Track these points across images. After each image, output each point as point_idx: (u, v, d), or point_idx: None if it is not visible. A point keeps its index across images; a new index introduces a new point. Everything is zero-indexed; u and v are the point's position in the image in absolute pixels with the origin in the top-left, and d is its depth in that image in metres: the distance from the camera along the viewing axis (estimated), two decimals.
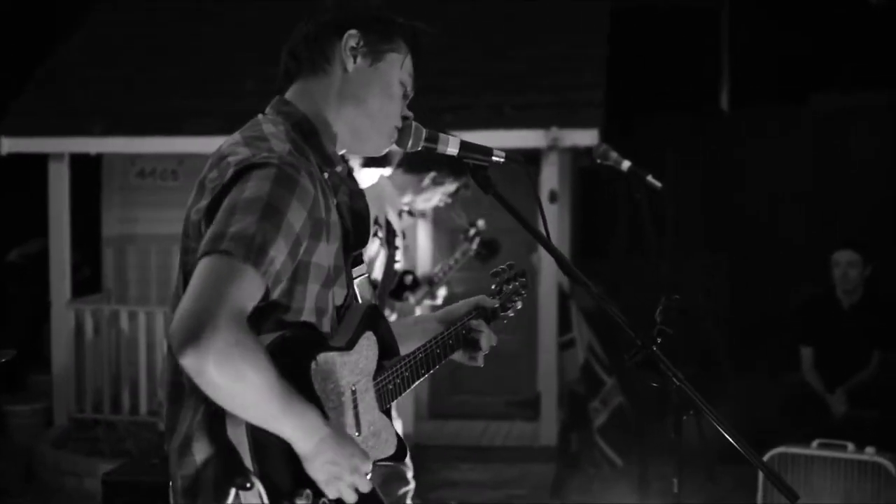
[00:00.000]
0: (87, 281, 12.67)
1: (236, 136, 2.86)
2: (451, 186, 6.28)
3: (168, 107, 11.13)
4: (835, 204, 13.59)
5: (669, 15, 16.19)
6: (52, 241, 11.11)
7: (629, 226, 13.20)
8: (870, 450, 7.02)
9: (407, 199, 6.26)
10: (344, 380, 2.82)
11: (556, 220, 10.48)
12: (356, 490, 2.71)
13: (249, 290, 2.53)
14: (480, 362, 3.47)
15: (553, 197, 10.41)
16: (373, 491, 2.83)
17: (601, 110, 10.52)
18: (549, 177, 10.48)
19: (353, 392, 2.86)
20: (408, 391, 3.18)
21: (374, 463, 2.87)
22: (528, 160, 10.20)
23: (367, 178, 6.12)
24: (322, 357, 2.75)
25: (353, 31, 2.98)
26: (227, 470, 2.60)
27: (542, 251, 3.54)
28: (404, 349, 3.17)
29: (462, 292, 11.37)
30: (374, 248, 6.00)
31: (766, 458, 7.09)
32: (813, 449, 7.12)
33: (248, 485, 2.55)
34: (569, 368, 10.69)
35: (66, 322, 11.03)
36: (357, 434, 2.85)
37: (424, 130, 3.09)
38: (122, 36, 12.49)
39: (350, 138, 3.04)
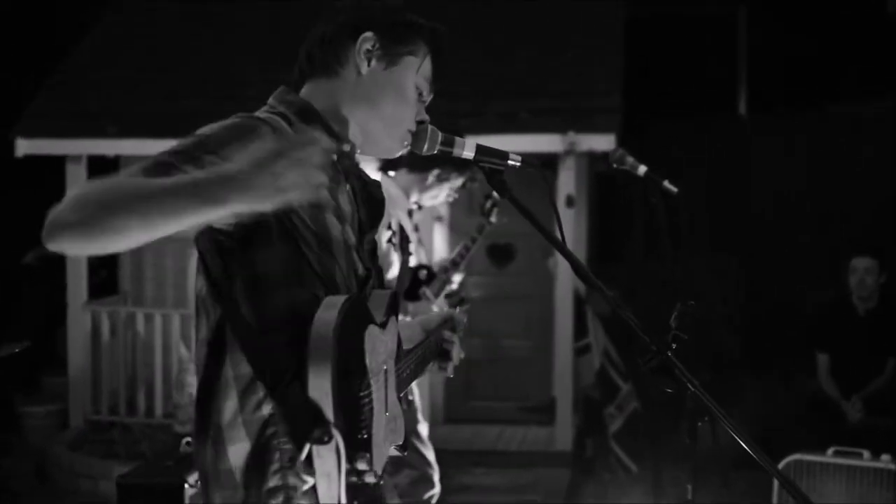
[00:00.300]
0: (103, 283, 12.69)
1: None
2: (456, 181, 6.26)
3: (180, 108, 11.15)
4: (847, 209, 13.55)
5: (686, 21, 16.18)
6: None
7: (645, 231, 13.19)
8: (885, 457, 6.99)
9: (413, 198, 6.25)
10: (381, 356, 2.80)
11: (572, 225, 10.49)
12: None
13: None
14: (450, 372, 3.50)
15: (570, 201, 10.41)
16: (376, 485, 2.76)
17: (618, 115, 10.51)
18: (566, 181, 10.48)
19: (385, 371, 2.83)
20: (420, 392, 3.21)
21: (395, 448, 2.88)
22: (545, 165, 10.22)
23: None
24: (371, 328, 2.75)
25: (368, 34, 2.94)
26: (299, 430, 2.52)
27: (557, 256, 3.52)
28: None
29: (479, 297, 11.39)
30: (393, 258, 6.01)
31: (781, 465, 7.07)
32: (828, 456, 7.10)
33: (327, 438, 2.48)
34: (584, 374, 10.69)
35: (82, 324, 11.05)
36: (385, 413, 2.80)
37: (440, 134, 3.07)
38: (132, 39, 12.52)
39: (361, 139, 3.02)
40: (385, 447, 2.78)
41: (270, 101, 2.96)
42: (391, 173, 6.20)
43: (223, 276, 2.68)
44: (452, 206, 11.36)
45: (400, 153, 3.08)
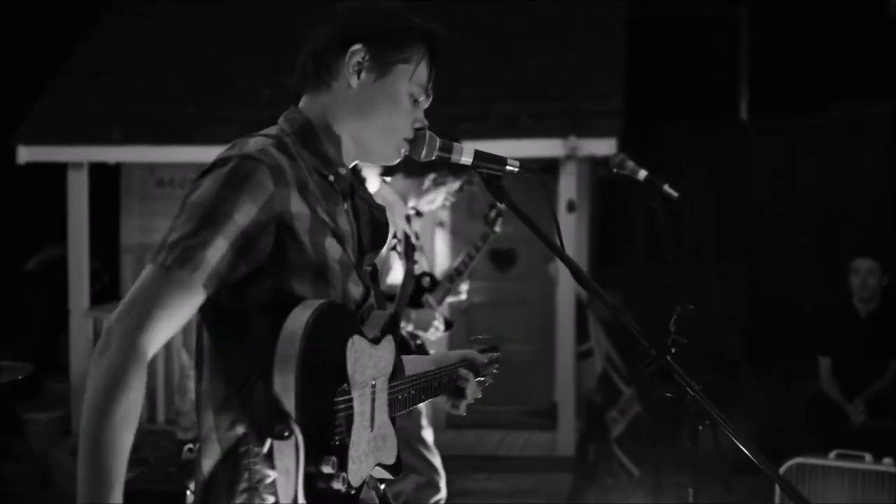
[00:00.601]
0: (105, 289, 12.69)
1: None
2: (453, 185, 6.26)
3: (183, 115, 11.17)
4: (849, 211, 13.56)
5: (687, 23, 16.18)
6: (71, 249, 11.14)
7: (647, 235, 13.19)
8: (888, 460, 6.99)
9: (411, 203, 6.25)
10: (368, 371, 2.82)
11: (573, 230, 10.48)
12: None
13: (176, 298, 2.59)
14: (462, 411, 3.50)
15: (571, 206, 10.40)
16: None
17: (619, 119, 10.51)
18: (567, 186, 10.48)
19: (373, 387, 2.85)
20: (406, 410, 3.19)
21: (376, 466, 2.90)
22: (546, 170, 10.23)
23: (371, 186, 6.11)
24: (357, 339, 2.77)
25: (356, 47, 2.93)
26: (266, 427, 2.57)
27: (559, 261, 3.57)
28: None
29: (481, 302, 11.40)
30: (393, 263, 6.01)
31: (783, 468, 7.07)
32: (830, 459, 7.10)
33: (287, 433, 2.51)
34: (586, 378, 10.69)
35: (84, 330, 11.06)
36: (370, 430, 2.83)
37: (438, 140, 3.06)
38: (133, 43, 12.51)
39: (356, 150, 3.03)
40: (366, 463, 2.79)
41: (280, 120, 2.99)
42: (387, 179, 6.20)
43: (211, 308, 2.74)
44: (454, 211, 11.39)
45: (397, 160, 3.09)
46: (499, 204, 6.86)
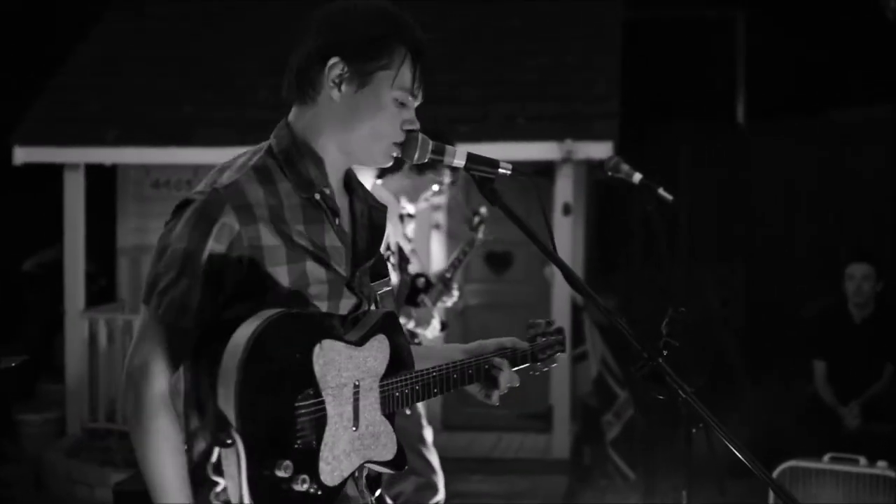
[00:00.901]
0: (101, 290, 12.69)
1: (227, 161, 3.05)
2: (445, 178, 6.27)
3: (180, 116, 11.16)
4: (848, 215, 13.56)
5: (684, 26, 16.18)
6: (67, 251, 11.14)
7: (643, 238, 13.20)
8: (882, 464, 6.99)
9: (404, 201, 6.25)
10: (347, 372, 2.89)
11: (569, 233, 10.48)
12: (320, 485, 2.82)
13: (172, 342, 2.87)
14: (495, 400, 3.48)
15: (567, 210, 10.40)
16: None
17: (615, 122, 10.50)
18: (564, 189, 10.47)
19: (356, 387, 2.92)
20: (416, 404, 3.22)
21: (368, 463, 2.98)
22: (542, 173, 10.23)
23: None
24: (328, 343, 2.84)
25: (334, 60, 2.96)
26: (212, 433, 2.75)
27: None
28: (422, 367, 3.21)
29: (477, 304, 11.40)
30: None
31: (777, 471, 7.07)
32: (825, 462, 7.10)
33: (229, 441, 2.64)
34: (581, 381, 10.68)
35: (80, 331, 11.05)
36: (354, 429, 2.91)
37: (431, 142, 3.07)
38: (131, 45, 12.50)
39: (346, 158, 3.08)
40: (348, 461, 2.87)
41: (272, 136, 3.08)
42: (378, 181, 6.21)
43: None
44: (450, 214, 11.39)
45: (389, 164, 3.11)
46: (482, 210, 6.85)
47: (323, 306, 2.98)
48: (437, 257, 11.39)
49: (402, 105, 3.03)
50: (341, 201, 3.11)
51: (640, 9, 14.14)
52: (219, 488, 2.74)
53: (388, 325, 3.08)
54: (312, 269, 2.95)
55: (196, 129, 10.94)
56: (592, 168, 11.17)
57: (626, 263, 13.75)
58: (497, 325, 11.29)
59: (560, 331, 3.74)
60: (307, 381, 2.78)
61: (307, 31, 3.04)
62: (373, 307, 3.16)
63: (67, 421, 11.15)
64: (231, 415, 2.64)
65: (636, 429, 10.10)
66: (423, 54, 3.05)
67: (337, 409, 2.84)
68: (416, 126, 3.07)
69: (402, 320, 5.65)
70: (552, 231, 3.18)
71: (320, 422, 2.80)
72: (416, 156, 3.06)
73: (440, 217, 11.46)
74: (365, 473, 3.05)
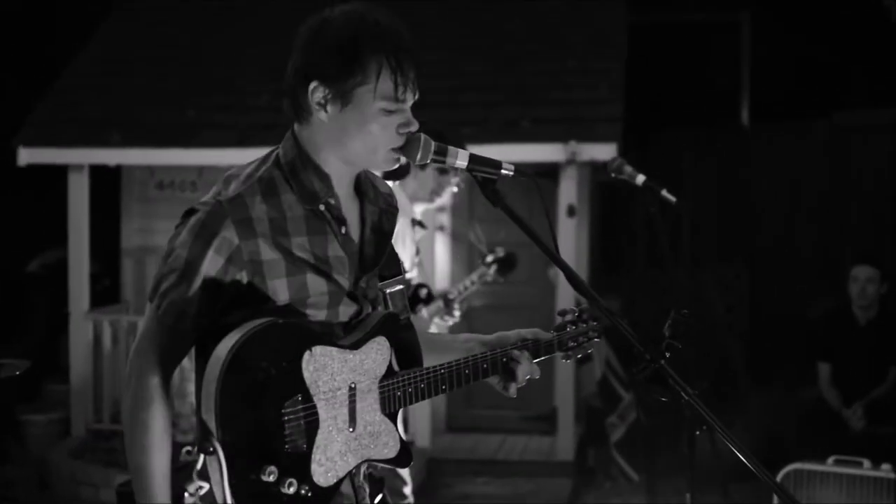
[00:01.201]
0: (105, 291, 12.70)
1: (235, 168, 3.12)
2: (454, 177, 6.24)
3: (184, 118, 11.16)
4: (851, 218, 13.55)
5: (688, 28, 16.18)
6: (72, 252, 11.14)
7: (647, 240, 13.19)
8: (886, 466, 6.99)
9: (420, 207, 6.22)
10: (341, 376, 2.98)
11: (573, 235, 10.47)
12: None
13: (172, 341, 2.96)
14: (512, 392, 3.49)
15: (571, 211, 10.39)
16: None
17: (619, 124, 10.49)
18: (567, 191, 10.46)
19: (352, 389, 3.00)
20: (422, 402, 3.24)
21: (369, 462, 3.07)
22: (547, 174, 10.23)
23: None
24: (319, 349, 2.93)
25: (313, 84, 3.01)
26: (197, 443, 2.82)
27: None
28: (440, 361, 3.25)
29: (481, 305, 11.39)
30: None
31: (781, 474, 7.07)
32: (828, 465, 7.10)
33: (211, 449, 2.75)
34: (586, 383, 10.68)
35: (84, 332, 11.05)
36: (350, 430, 2.99)
37: (434, 143, 3.08)
38: (135, 46, 12.51)
39: (352, 168, 3.14)
40: (343, 462, 2.97)
41: (281, 145, 3.14)
42: (392, 183, 6.17)
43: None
44: (455, 216, 11.39)
45: (394, 168, 3.13)
46: (498, 250, 6.77)
47: (321, 315, 3.04)
48: (440, 259, 11.39)
49: (392, 112, 3.03)
50: (350, 207, 3.15)
51: (645, 12, 14.14)
52: (203, 491, 2.83)
53: (390, 326, 3.12)
54: (312, 281, 3.02)
55: (199, 131, 10.94)
56: (596, 170, 11.16)
57: (629, 265, 13.75)
58: (501, 327, 11.22)
59: (595, 318, 3.69)
60: (296, 388, 2.88)
61: (293, 49, 3.09)
62: (376, 309, 3.20)
63: (72, 422, 11.15)
64: (212, 424, 2.76)
65: (640, 431, 10.10)
66: (401, 57, 3.03)
67: (330, 413, 2.94)
68: (414, 127, 3.08)
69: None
70: (555, 232, 3.18)
71: (311, 426, 2.90)
72: (419, 157, 3.07)
73: (444, 219, 11.46)
74: (366, 472, 3.09)
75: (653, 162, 6.72)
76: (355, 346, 3.02)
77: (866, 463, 7.05)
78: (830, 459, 7.12)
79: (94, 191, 11.21)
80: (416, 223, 6.30)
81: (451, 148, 3.10)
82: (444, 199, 6.36)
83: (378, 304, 3.22)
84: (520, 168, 3.09)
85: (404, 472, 6.11)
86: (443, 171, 6.11)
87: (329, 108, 3.01)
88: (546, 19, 12.22)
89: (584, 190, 11.25)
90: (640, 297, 11.71)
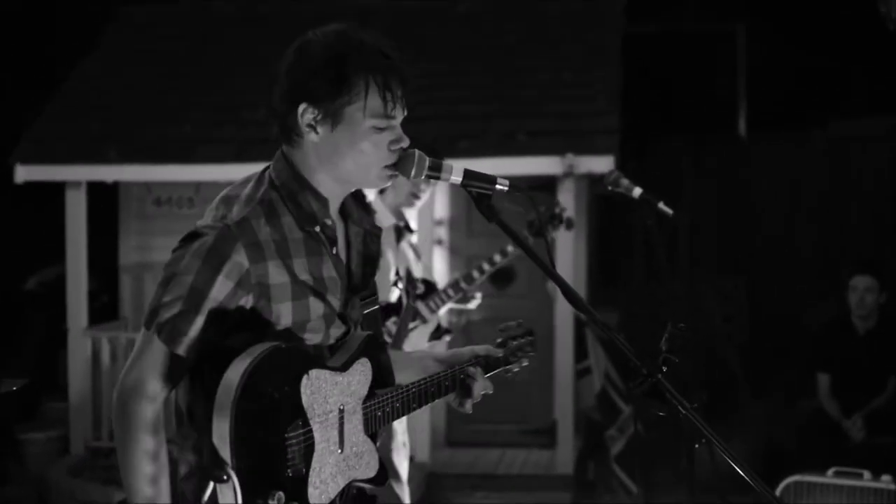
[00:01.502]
0: (104, 308, 12.68)
1: (229, 187, 3.11)
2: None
3: (181, 133, 11.16)
4: (850, 228, 13.55)
5: (685, 39, 16.19)
6: (70, 269, 11.13)
7: (645, 252, 13.18)
8: (886, 478, 6.98)
9: (406, 206, 6.20)
10: (333, 398, 2.99)
11: (571, 247, 10.45)
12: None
13: (164, 364, 2.93)
14: (468, 409, 3.55)
15: (569, 224, 10.38)
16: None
17: (616, 136, 10.49)
18: (565, 204, 10.43)
19: (341, 411, 3.02)
20: (397, 420, 3.28)
21: (353, 482, 3.08)
22: (544, 187, 10.21)
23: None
24: (315, 372, 2.94)
25: (302, 107, 3.01)
26: (208, 468, 2.80)
27: None
28: (400, 378, 3.30)
29: (480, 319, 11.38)
30: (394, 298, 6.01)
31: (781, 486, 7.05)
32: (829, 477, 7.09)
33: (225, 477, 2.73)
34: (585, 396, 10.67)
35: (82, 349, 11.04)
36: (339, 451, 3.01)
37: (428, 159, 3.09)
38: (132, 63, 12.50)
39: (345, 187, 3.15)
40: (334, 483, 2.99)
41: (270, 166, 3.13)
42: (371, 196, 6.15)
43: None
44: (453, 229, 11.39)
45: (387, 185, 3.14)
46: (509, 249, 6.71)
47: (318, 338, 3.05)
48: (439, 272, 11.38)
49: (382, 129, 3.04)
50: (337, 228, 3.16)
51: (642, 23, 14.15)
52: None
53: (371, 348, 3.16)
54: (314, 304, 3.03)
55: (196, 146, 10.94)
56: (594, 182, 11.16)
57: (627, 277, 13.73)
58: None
59: (531, 332, 3.85)
60: (296, 412, 2.89)
61: (277, 74, 3.09)
62: (357, 330, 3.22)
63: (71, 440, 11.13)
64: (226, 452, 2.74)
65: (639, 444, 10.08)
66: (388, 73, 3.04)
67: (324, 435, 2.95)
68: (405, 143, 3.09)
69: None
70: (550, 246, 3.18)
71: (309, 449, 2.91)
72: (414, 172, 3.08)
73: (442, 232, 11.46)
74: (350, 493, 3.11)
75: (651, 172, 6.73)
76: (343, 367, 3.04)
77: (866, 474, 7.04)
78: (830, 471, 7.11)
79: (91, 207, 11.20)
80: (406, 229, 6.28)
81: (445, 163, 3.11)
82: (426, 195, 6.34)
83: (359, 326, 3.24)
84: (515, 183, 3.09)
85: (403, 490, 6.09)
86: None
87: (320, 129, 3.02)
88: (542, 31, 12.23)
89: (581, 202, 11.25)
90: (638, 310, 11.70)
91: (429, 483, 10.36)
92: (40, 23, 15.16)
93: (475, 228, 11.36)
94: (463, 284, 6.67)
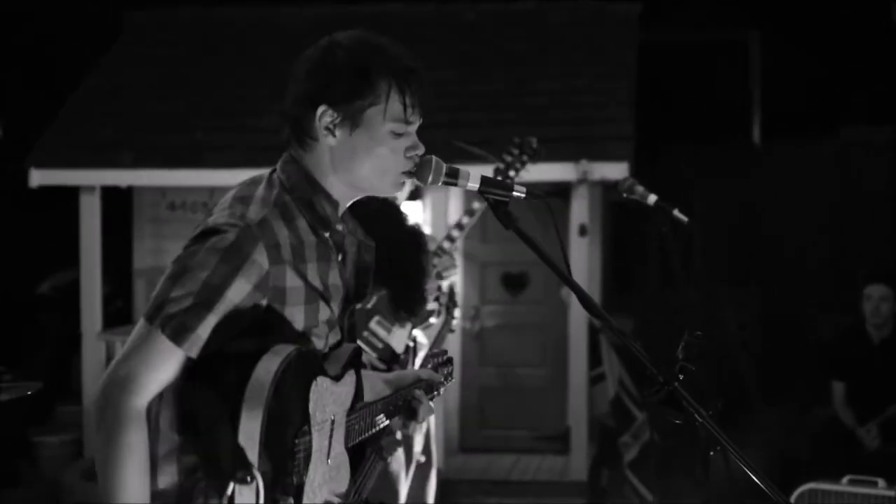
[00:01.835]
0: (118, 312, 12.71)
1: (237, 188, 3.03)
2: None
3: (194, 139, 11.17)
4: (863, 235, 13.52)
5: (699, 46, 16.19)
6: (84, 273, 11.15)
7: (660, 259, 13.17)
8: None
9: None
10: (329, 407, 2.96)
11: (586, 254, 10.46)
12: None
13: (164, 363, 2.79)
14: (411, 431, 3.58)
15: (583, 231, 10.38)
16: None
17: (630, 143, 10.48)
18: (579, 210, 10.46)
19: (332, 422, 2.99)
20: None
21: (330, 495, 3.03)
22: (558, 194, 10.20)
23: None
24: (321, 379, 2.91)
25: (322, 109, 2.97)
26: (225, 469, 2.70)
27: None
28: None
29: (493, 325, 11.38)
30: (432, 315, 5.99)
31: (795, 493, 7.03)
32: (843, 485, 7.06)
33: (249, 479, 2.65)
34: (599, 402, 10.65)
35: (96, 353, 11.06)
36: (326, 462, 2.97)
37: (445, 165, 3.08)
38: (146, 68, 12.53)
39: (356, 192, 3.11)
40: (320, 494, 2.94)
41: (278, 166, 3.08)
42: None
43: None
44: (466, 235, 11.38)
45: (401, 192, 3.13)
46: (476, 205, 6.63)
47: (321, 344, 3.03)
48: (453, 279, 11.36)
49: (400, 135, 3.02)
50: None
51: (655, 30, 14.14)
52: None
53: (357, 360, 3.15)
54: (322, 309, 3.00)
55: (209, 151, 10.95)
56: (608, 189, 11.15)
57: (642, 284, 13.72)
58: (513, 347, 11.30)
59: (450, 360, 3.87)
60: (304, 418, 2.84)
61: (294, 76, 3.05)
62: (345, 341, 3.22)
63: (85, 443, 11.14)
64: (254, 452, 2.68)
65: (654, 451, 10.06)
66: (409, 78, 3.02)
67: (319, 444, 2.92)
68: (421, 151, 3.07)
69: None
70: (566, 254, 3.17)
71: (308, 457, 2.86)
72: (431, 179, 3.07)
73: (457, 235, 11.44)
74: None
75: (663, 179, 6.71)
76: (337, 377, 3.02)
77: (881, 482, 7.01)
78: (845, 479, 7.08)
79: (105, 212, 11.23)
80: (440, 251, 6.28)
81: (462, 170, 3.09)
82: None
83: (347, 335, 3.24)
84: (532, 190, 3.08)
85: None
86: None
87: (338, 132, 2.98)
88: (555, 38, 12.23)
89: (595, 209, 11.24)
90: (653, 317, 11.68)
91: (442, 489, 10.35)
92: (55, 28, 15.20)
93: (489, 234, 11.35)
94: (435, 262, 6.65)
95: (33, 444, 11.27)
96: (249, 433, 2.68)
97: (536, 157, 7.03)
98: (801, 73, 15.89)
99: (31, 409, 11.42)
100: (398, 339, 5.94)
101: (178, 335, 2.78)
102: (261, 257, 2.85)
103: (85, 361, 11.16)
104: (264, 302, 2.87)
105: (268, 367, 2.72)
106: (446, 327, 6.08)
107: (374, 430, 3.26)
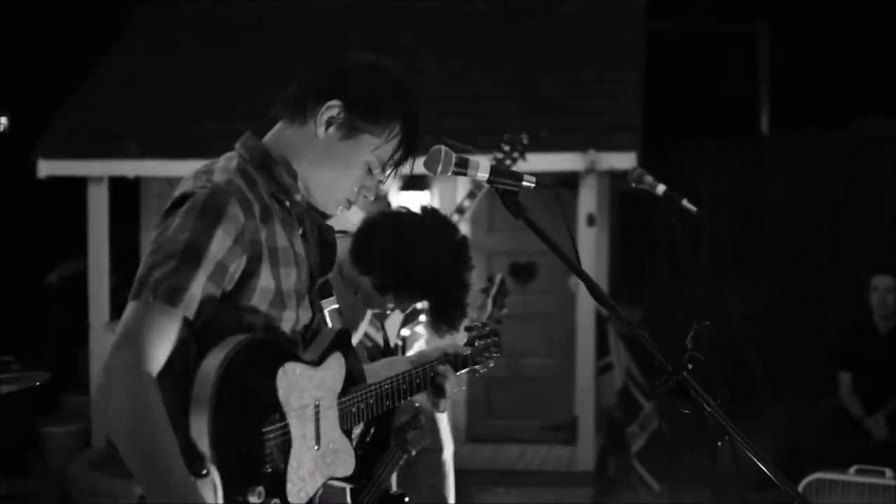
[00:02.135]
0: (125, 303, 12.68)
1: (199, 167, 3.04)
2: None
3: (202, 129, 11.16)
4: (871, 228, 13.51)
5: (707, 38, 16.17)
6: (92, 264, 11.16)
7: (669, 249, 13.16)
8: None
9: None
10: (308, 393, 2.95)
11: (594, 244, 10.46)
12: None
13: (165, 330, 2.73)
14: (442, 408, 3.57)
15: (591, 220, 10.38)
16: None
17: (638, 133, 10.48)
18: (587, 200, 10.45)
19: (317, 406, 2.98)
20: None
21: (330, 480, 3.04)
22: (566, 184, 10.21)
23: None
24: (290, 365, 2.89)
25: (333, 102, 3.01)
26: (187, 466, 2.67)
27: None
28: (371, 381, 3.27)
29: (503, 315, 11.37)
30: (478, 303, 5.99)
31: (803, 483, 7.04)
32: (850, 475, 7.07)
33: (204, 472, 2.65)
34: (606, 392, 10.66)
35: (104, 344, 11.02)
36: (316, 447, 2.97)
37: (455, 156, 3.08)
38: (153, 58, 12.53)
39: (304, 185, 3.09)
40: (312, 481, 2.95)
41: (237, 146, 3.11)
42: (426, 195, 6.15)
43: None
44: (473, 225, 11.38)
45: (333, 215, 3.14)
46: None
47: (290, 318, 2.99)
48: None
49: (370, 172, 3.07)
50: None
51: (663, 21, 14.13)
52: None
53: (343, 343, 3.14)
54: (289, 273, 2.98)
55: (217, 142, 10.89)
56: (616, 179, 11.15)
57: (651, 274, 13.72)
58: (521, 337, 11.28)
59: (495, 332, 3.85)
60: (273, 406, 2.83)
61: (325, 66, 3.10)
62: (327, 324, 3.22)
63: (92, 433, 11.15)
64: (205, 445, 2.66)
65: (661, 440, 10.07)
66: (414, 140, 3.08)
67: (300, 430, 2.91)
68: (372, 194, 3.13)
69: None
70: (576, 243, 3.18)
71: (286, 444, 2.85)
72: (440, 169, 3.07)
73: (463, 228, 11.44)
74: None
75: (671, 171, 6.69)
76: (318, 362, 3.02)
77: (888, 472, 7.02)
78: (852, 469, 7.09)
79: (113, 202, 11.23)
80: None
81: (472, 160, 3.10)
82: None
83: (325, 317, 3.24)
84: (541, 180, 3.08)
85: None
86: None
87: (331, 130, 3.02)
88: (564, 29, 12.22)
89: (604, 199, 11.23)
90: (663, 307, 11.67)
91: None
92: (62, 19, 15.19)
93: (496, 224, 11.35)
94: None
95: (40, 435, 11.28)
96: (198, 427, 2.67)
97: (527, 152, 7.03)
98: (811, 65, 15.87)
99: (39, 399, 11.41)
100: (391, 330, 5.97)
101: (172, 297, 2.73)
102: (235, 210, 2.83)
103: (92, 352, 11.16)
104: (243, 260, 2.84)
105: (214, 359, 2.71)
106: (492, 320, 6.10)
107: (381, 411, 3.26)
